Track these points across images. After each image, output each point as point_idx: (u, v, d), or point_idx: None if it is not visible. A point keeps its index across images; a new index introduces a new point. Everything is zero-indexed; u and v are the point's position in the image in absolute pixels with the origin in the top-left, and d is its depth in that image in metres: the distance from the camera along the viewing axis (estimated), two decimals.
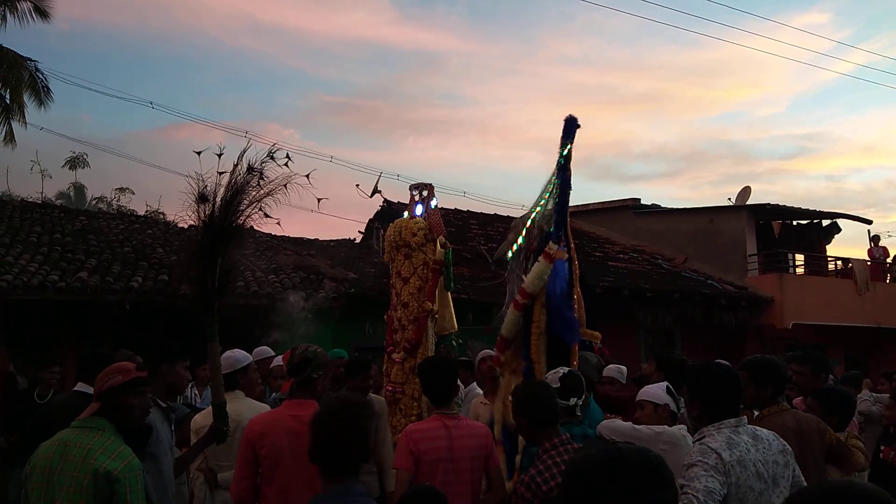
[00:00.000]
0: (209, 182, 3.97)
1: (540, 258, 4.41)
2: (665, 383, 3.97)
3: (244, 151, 4.02)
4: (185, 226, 13.77)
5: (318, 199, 4.55)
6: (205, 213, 3.94)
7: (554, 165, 4.70)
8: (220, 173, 4.02)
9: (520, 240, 4.68)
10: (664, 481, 1.53)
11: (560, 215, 4.56)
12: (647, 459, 1.57)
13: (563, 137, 4.82)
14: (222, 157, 4.13)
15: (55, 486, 2.87)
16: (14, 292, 8.30)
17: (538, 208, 4.68)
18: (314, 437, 2.35)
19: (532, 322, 4.38)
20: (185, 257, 4.57)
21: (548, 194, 4.67)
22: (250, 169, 3.98)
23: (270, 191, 4.00)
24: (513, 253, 4.78)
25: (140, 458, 3.44)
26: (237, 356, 4.31)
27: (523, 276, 4.52)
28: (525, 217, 4.76)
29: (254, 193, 4.00)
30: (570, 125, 4.78)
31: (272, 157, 4.06)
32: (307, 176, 4.19)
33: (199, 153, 4.25)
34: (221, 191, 3.96)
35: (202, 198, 3.95)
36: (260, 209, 4.04)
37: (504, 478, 3.81)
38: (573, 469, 1.59)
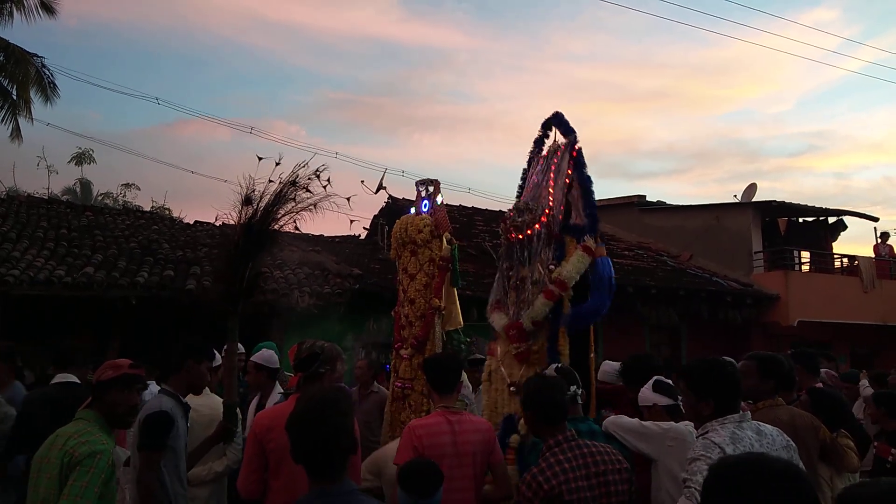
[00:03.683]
0: (257, 187, 4.13)
1: (579, 251, 4.39)
2: (653, 379, 3.96)
3: (300, 165, 4.22)
4: (191, 221, 13.89)
5: (348, 198, 4.72)
6: (246, 216, 4.04)
7: (557, 159, 4.69)
8: (270, 181, 4.17)
9: (538, 225, 4.55)
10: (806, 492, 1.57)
11: (593, 209, 4.56)
12: (785, 465, 1.62)
13: (566, 134, 4.81)
14: (277, 164, 4.34)
15: (41, 474, 2.95)
16: (21, 287, 8.33)
17: (551, 198, 4.61)
18: (290, 439, 2.21)
19: (561, 314, 4.36)
20: (217, 255, 4.75)
21: (558, 188, 4.62)
22: (294, 183, 4.11)
23: (309, 205, 4.15)
24: (527, 235, 4.60)
25: (159, 451, 3.48)
26: (217, 354, 4.34)
27: (551, 266, 4.44)
28: (542, 202, 4.64)
29: (292, 205, 4.14)
30: (562, 119, 4.82)
31: (318, 176, 4.23)
32: (348, 199, 4.41)
33: (260, 159, 4.49)
34: (266, 198, 4.13)
35: (247, 200, 4.06)
36: (294, 220, 4.18)
37: (508, 473, 3.81)
38: (714, 478, 1.63)
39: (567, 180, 4.64)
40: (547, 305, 4.36)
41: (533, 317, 4.38)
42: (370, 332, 10.07)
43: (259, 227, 4.05)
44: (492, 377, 4.62)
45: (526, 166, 5.13)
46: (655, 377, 3.96)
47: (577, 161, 4.67)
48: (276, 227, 4.14)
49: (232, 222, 4.22)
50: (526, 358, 4.41)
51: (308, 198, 4.16)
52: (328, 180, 4.26)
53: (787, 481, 1.54)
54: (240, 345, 6.13)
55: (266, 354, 4.96)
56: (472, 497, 3.53)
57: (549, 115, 5.04)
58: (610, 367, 4.91)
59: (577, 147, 4.73)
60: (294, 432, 2.22)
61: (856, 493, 1.58)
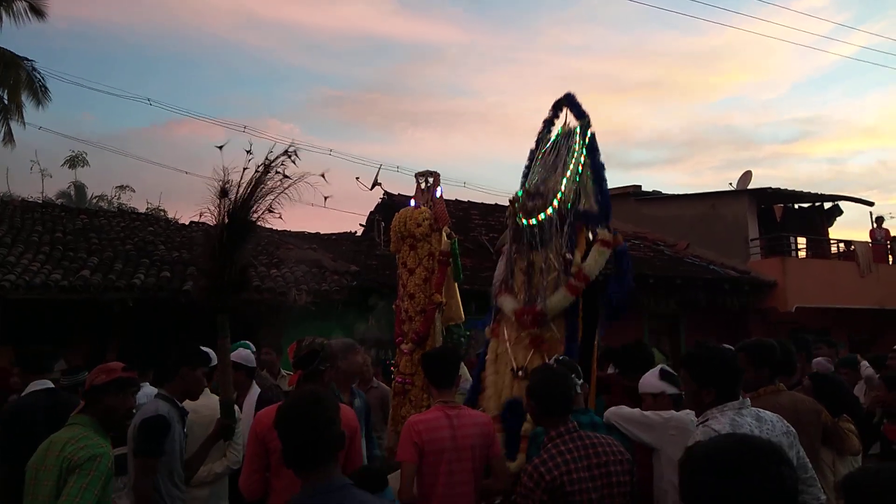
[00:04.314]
0: (233, 177, 4.05)
1: (597, 245, 4.34)
2: (659, 367, 3.94)
3: (271, 151, 4.12)
4: (187, 222, 13.87)
5: (326, 197, 4.55)
6: (224, 209, 3.99)
7: (569, 142, 4.62)
8: (245, 169, 4.09)
9: (549, 210, 4.44)
10: (786, 460, 1.59)
11: (606, 198, 4.50)
12: (766, 442, 1.65)
13: (579, 118, 4.71)
14: (249, 152, 4.21)
15: (39, 482, 2.92)
16: (17, 292, 8.31)
17: (563, 183, 4.51)
18: (280, 439, 2.25)
19: (578, 306, 4.31)
20: (201, 251, 4.67)
21: (570, 172, 4.53)
22: (268, 168, 4.04)
23: (284, 188, 4.06)
24: (537, 221, 4.49)
25: (156, 457, 3.46)
26: (212, 355, 4.33)
27: (567, 255, 4.37)
28: (554, 186, 4.52)
29: (267, 190, 4.06)
30: (574, 101, 4.72)
31: (289, 156, 4.12)
32: (322, 175, 4.27)
33: (220, 147, 4.32)
34: (241, 187, 4.04)
35: (223, 192, 4.00)
36: (269, 206, 4.10)
37: (506, 466, 3.81)
38: (700, 458, 1.63)
39: (580, 166, 4.54)
40: (568, 300, 4.29)
41: (552, 309, 4.30)
42: (369, 328, 10.05)
43: (240, 218, 3.99)
44: (498, 360, 4.56)
45: (533, 146, 5.01)
46: (661, 366, 3.94)
47: (590, 146, 4.57)
48: (257, 216, 4.07)
49: (212, 218, 4.15)
50: (540, 342, 4.35)
51: (285, 182, 4.06)
52: (295, 152, 4.17)
53: (769, 465, 1.54)
54: (249, 343, 6.12)
55: (244, 353, 4.94)
56: (471, 490, 3.54)
57: (547, 104, 4.93)
58: None
59: (590, 131, 4.63)
60: (280, 433, 2.25)
61: (859, 479, 1.58)
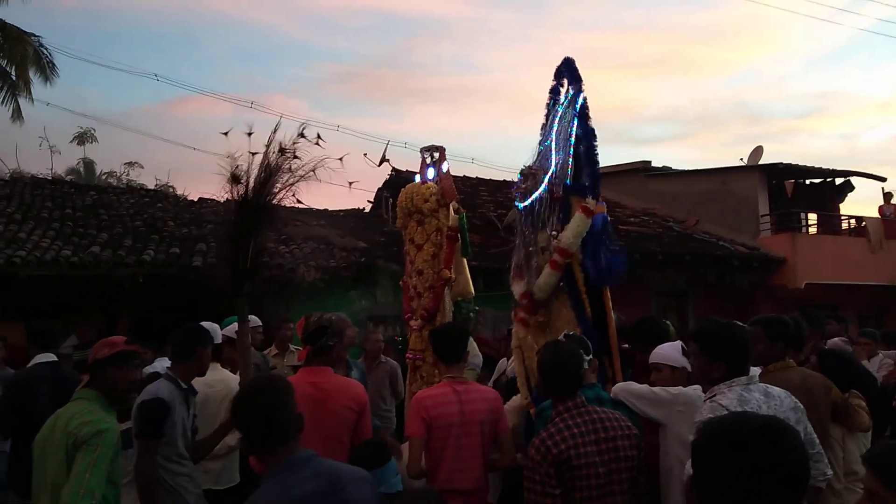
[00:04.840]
0: (241, 162, 4.00)
1: (577, 213, 4.20)
2: (679, 343, 3.91)
3: (275, 129, 4.07)
4: (195, 198, 13.87)
5: (341, 158, 4.42)
6: (238, 194, 3.96)
7: (562, 110, 4.51)
8: (253, 154, 4.04)
9: (541, 188, 4.35)
10: (796, 443, 1.59)
11: (595, 167, 4.34)
12: (776, 421, 1.64)
13: (572, 82, 4.57)
14: (251, 135, 4.16)
15: (47, 458, 2.94)
16: (28, 268, 8.36)
17: (554, 159, 4.39)
18: (238, 428, 2.29)
19: (576, 281, 4.22)
20: (217, 237, 4.65)
21: (562, 146, 4.43)
22: (282, 150, 3.99)
23: (304, 174, 4.02)
24: (531, 202, 4.43)
25: (156, 439, 3.49)
26: (218, 330, 4.34)
27: (553, 231, 4.29)
28: (546, 164, 4.42)
29: (286, 176, 4.01)
30: (572, 66, 4.60)
31: (303, 136, 4.07)
32: (340, 159, 4.23)
33: (226, 133, 4.28)
34: (254, 172, 4.00)
35: (235, 178, 3.97)
36: (291, 192, 4.07)
37: (513, 441, 3.82)
38: (707, 440, 1.63)
39: (573, 135, 4.38)
40: (554, 276, 4.23)
41: (541, 289, 4.28)
42: (378, 304, 10.09)
43: (254, 204, 3.98)
44: (522, 346, 4.53)
45: (544, 120, 4.84)
46: (680, 342, 3.92)
47: (581, 113, 4.41)
48: (273, 200, 4.05)
49: (223, 203, 4.14)
50: (525, 324, 4.35)
51: (301, 165, 4.04)
52: (318, 136, 4.11)
53: (768, 434, 1.55)
54: (255, 318, 6.16)
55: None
56: (479, 465, 3.56)
57: (543, 83, 4.78)
58: None
59: (581, 97, 4.46)
60: (236, 422, 2.30)
61: (887, 453, 1.59)
